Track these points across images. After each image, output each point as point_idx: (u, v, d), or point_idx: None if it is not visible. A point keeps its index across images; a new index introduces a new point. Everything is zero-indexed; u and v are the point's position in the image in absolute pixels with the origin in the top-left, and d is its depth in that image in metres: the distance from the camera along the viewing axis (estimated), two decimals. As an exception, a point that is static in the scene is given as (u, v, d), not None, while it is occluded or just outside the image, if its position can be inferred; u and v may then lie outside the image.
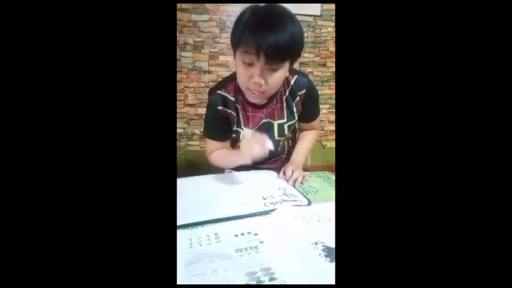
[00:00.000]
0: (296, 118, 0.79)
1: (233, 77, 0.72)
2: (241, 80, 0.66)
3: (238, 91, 0.73)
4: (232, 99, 0.74)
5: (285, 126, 0.79)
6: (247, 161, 0.66)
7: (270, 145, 0.64)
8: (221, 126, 0.77)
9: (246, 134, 0.75)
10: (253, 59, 0.59)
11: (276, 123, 0.77)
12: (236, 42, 0.61)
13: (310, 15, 2.15)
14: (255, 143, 0.64)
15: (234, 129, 0.77)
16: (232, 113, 0.75)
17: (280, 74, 0.64)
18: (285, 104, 0.76)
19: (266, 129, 0.77)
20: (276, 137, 0.79)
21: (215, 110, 0.74)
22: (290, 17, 0.60)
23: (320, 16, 2.17)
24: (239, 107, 0.75)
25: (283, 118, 0.77)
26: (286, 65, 0.64)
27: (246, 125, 0.77)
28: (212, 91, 0.75)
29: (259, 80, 0.62)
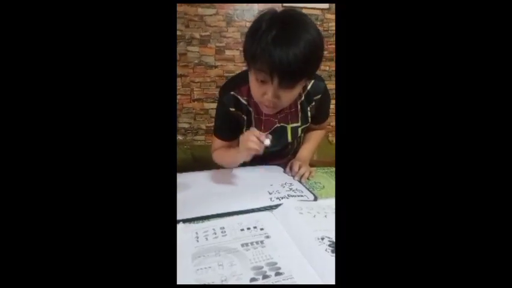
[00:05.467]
0: (310, 121, 0.78)
1: (248, 78, 0.67)
2: (255, 94, 0.64)
3: (251, 93, 0.69)
4: (245, 102, 0.71)
5: (299, 129, 0.77)
6: (244, 156, 0.66)
7: (267, 141, 0.62)
8: (231, 127, 0.75)
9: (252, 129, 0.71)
10: (267, 78, 0.56)
11: (289, 127, 0.76)
12: (250, 59, 0.58)
13: (319, 9, 2.11)
14: (252, 137, 0.62)
15: (244, 131, 0.74)
16: (243, 116, 0.73)
17: (295, 91, 0.61)
18: (299, 108, 0.74)
19: (279, 133, 0.75)
20: (289, 140, 0.78)
21: (226, 111, 0.72)
22: (309, 30, 0.54)
23: (328, 9, 2.13)
24: (252, 110, 0.72)
25: (297, 122, 0.76)
26: (302, 81, 0.61)
27: (259, 128, 0.74)
28: (224, 90, 0.72)
29: (273, 99, 0.60)
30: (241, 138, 0.66)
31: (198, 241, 0.46)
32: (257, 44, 0.54)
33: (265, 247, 0.45)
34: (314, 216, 0.53)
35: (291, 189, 0.66)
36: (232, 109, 0.71)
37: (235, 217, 0.53)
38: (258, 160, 0.73)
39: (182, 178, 0.71)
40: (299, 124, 0.76)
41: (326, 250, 0.43)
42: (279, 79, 0.55)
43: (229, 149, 0.78)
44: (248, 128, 0.74)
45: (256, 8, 2.04)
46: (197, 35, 2.03)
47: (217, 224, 0.51)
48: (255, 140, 0.62)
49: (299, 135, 0.80)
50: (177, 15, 1.90)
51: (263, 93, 0.60)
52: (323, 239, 0.46)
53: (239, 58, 2.12)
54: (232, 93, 0.70)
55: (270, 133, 0.74)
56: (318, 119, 0.79)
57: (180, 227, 0.50)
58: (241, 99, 0.71)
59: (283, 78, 0.55)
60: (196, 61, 2.08)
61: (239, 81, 0.71)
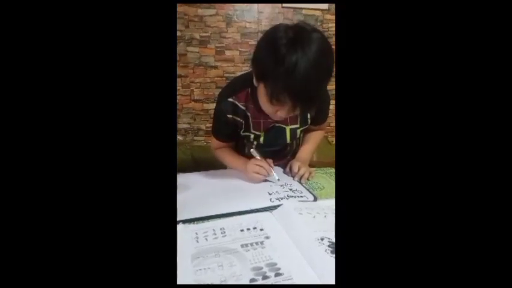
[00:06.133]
0: (309, 123, 0.78)
1: (246, 83, 0.67)
2: (266, 109, 0.62)
3: (249, 99, 0.70)
4: (243, 107, 0.71)
5: (298, 131, 0.77)
6: (246, 174, 0.70)
7: (275, 176, 0.69)
8: (228, 131, 0.76)
9: (254, 153, 0.72)
10: (285, 105, 0.56)
11: (288, 128, 0.76)
12: (271, 89, 0.54)
13: (318, 9, 2.12)
14: (260, 171, 0.68)
15: (242, 133, 0.75)
16: (241, 120, 0.73)
17: None
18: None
19: (277, 133, 0.75)
20: (288, 141, 0.78)
21: (223, 117, 0.72)
22: (326, 50, 0.52)
23: (328, 10, 2.13)
24: (249, 115, 0.72)
25: (296, 123, 0.76)
26: None
27: (257, 130, 0.75)
28: (222, 97, 0.72)
29: (287, 115, 0.61)
30: (250, 165, 0.70)
31: (197, 242, 0.46)
32: (281, 74, 0.51)
33: (265, 248, 0.44)
34: (314, 216, 0.53)
35: (290, 189, 0.66)
36: (229, 116, 0.71)
37: (235, 218, 0.53)
38: None
39: (182, 179, 0.71)
40: (298, 126, 0.76)
41: (325, 251, 0.43)
42: (302, 108, 0.57)
43: (233, 154, 0.80)
44: (246, 130, 0.75)
45: (256, 9, 2.04)
46: (197, 36, 2.03)
47: (216, 225, 0.51)
48: (264, 172, 0.68)
49: (298, 136, 0.80)
50: (177, 16, 1.90)
51: (276, 110, 0.60)
52: (322, 239, 0.45)
53: (239, 59, 2.12)
54: (229, 99, 0.70)
55: (267, 132, 0.75)
56: (318, 120, 0.79)
57: (180, 227, 0.50)
58: (239, 104, 0.71)
59: (304, 106, 0.57)
60: (196, 62, 2.08)
61: (237, 87, 0.71)
